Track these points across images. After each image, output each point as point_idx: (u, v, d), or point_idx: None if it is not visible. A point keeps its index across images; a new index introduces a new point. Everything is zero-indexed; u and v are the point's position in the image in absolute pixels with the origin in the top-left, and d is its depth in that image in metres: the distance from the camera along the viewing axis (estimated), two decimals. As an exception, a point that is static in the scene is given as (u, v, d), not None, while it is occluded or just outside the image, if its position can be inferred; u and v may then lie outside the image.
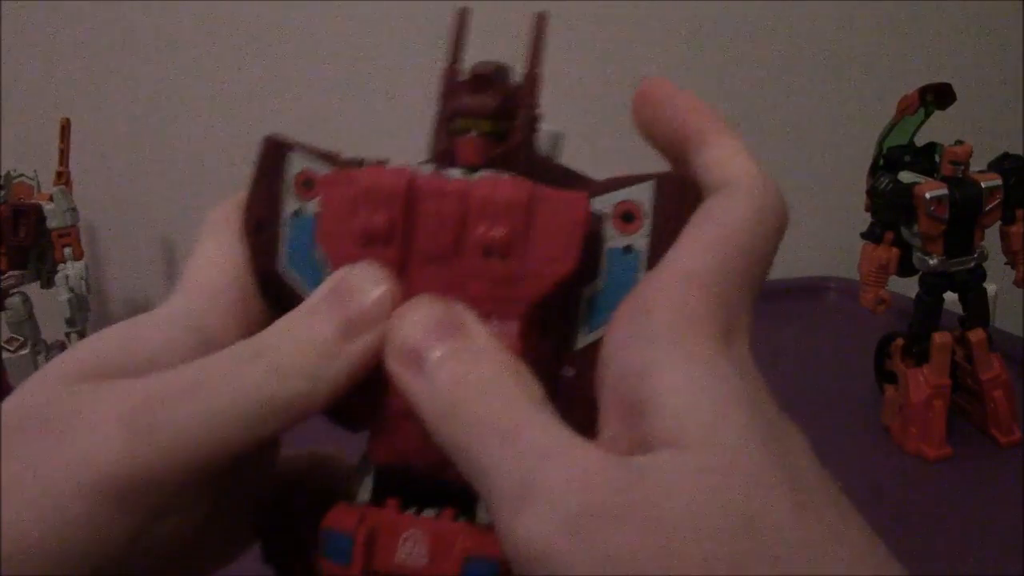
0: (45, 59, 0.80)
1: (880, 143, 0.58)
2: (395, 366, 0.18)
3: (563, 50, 0.86)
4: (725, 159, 0.20)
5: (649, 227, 0.19)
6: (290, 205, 0.21)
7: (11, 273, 0.60)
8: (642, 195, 0.20)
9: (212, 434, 0.18)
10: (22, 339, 0.60)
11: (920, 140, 0.58)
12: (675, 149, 0.21)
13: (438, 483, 0.19)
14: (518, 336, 0.19)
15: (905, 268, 0.58)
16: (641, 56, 0.88)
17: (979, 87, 0.89)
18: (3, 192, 0.60)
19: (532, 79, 0.21)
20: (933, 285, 0.57)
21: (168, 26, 0.81)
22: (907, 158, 0.57)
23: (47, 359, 0.61)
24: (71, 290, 0.61)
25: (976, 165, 0.56)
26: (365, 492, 0.20)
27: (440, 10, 0.85)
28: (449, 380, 0.18)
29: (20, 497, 0.17)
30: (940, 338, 0.56)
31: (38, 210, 0.61)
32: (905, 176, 0.56)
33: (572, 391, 0.19)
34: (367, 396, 0.19)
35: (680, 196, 0.20)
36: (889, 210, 0.56)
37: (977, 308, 0.58)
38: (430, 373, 0.18)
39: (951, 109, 0.55)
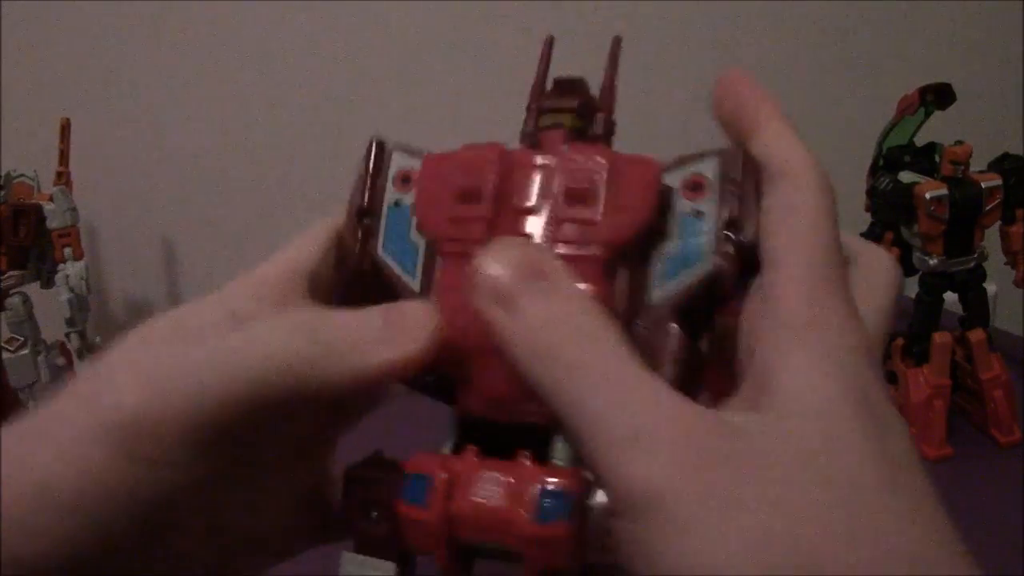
0: (45, 59, 0.80)
1: (880, 143, 0.58)
2: (484, 304, 0.19)
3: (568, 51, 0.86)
4: (777, 143, 0.22)
5: (716, 194, 0.21)
6: (390, 197, 0.24)
7: (11, 273, 0.60)
8: (707, 168, 0.22)
9: (211, 389, 0.19)
10: (22, 339, 0.60)
11: (920, 140, 0.58)
12: (738, 132, 0.23)
13: (515, 432, 0.20)
14: (599, 280, 0.20)
15: (905, 268, 0.58)
16: (641, 56, 0.88)
17: (979, 87, 0.89)
18: (3, 192, 0.60)
19: (609, 89, 0.24)
20: (933, 285, 0.57)
21: (168, 26, 0.81)
22: (907, 158, 0.57)
23: (47, 359, 0.61)
24: (71, 290, 0.61)
25: (976, 165, 0.56)
26: (445, 446, 0.21)
27: (440, 10, 0.84)
28: (542, 320, 0.18)
29: (45, 442, 0.19)
30: (940, 338, 0.56)
31: (38, 210, 0.61)
32: (905, 176, 0.56)
33: (644, 344, 0.20)
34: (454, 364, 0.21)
35: (740, 167, 0.21)
36: (889, 210, 0.56)
37: (977, 308, 0.58)
38: (522, 312, 0.18)
39: (951, 109, 0.55)
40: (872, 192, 0.57)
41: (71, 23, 0.79)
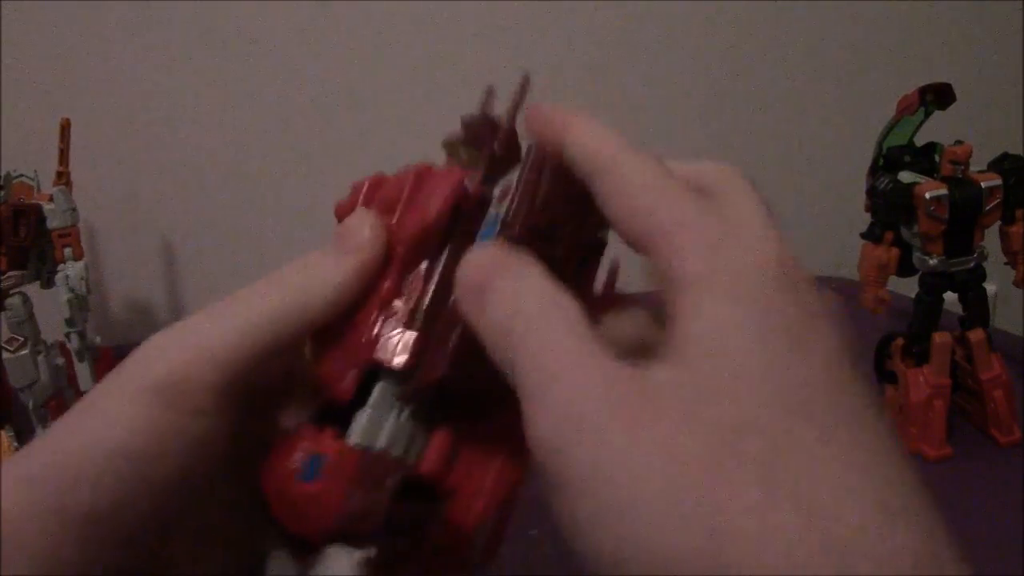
0: (45, 59, 0.80)
1: (880, 143, 0.58)
2: (465, 303, 0.22)
3: (563, 49, 0.86)
4: (585, 138, 0.24)
5: (509, 196, 0.23)
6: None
7: (11, 273, 0.60)
8: (514, 174, 0.23)
9: (234, 338, 0.23)
10: (22, 339, 0.60)
11: (920, 140, 0.57)
12: (550, 143, 0.24)
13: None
14: (393, 274, 0.24)
15: (905, 268, 0.58)
16: (641, 56, 0.88)
17: (979, 87, 0.89)
18: (3, 192, 0.59)
19: (507, 121, 0.26)
20: (933, 285, 0.57)
21: (169, 26, 0.81)
22: (907, 158, 0.57)
23: (47, 359, 0.61)
24: (71, 290, 0.61)
25: (976, 165, 0.56)
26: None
27: (441, 11, 0.84)
28: (504, 311, 0.21)
29: (88, 411, 0.22)
30: (940, 338, 0.56)
31: (38, 210, 0.60)
32: (905, 176, 0.56)
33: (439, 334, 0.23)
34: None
35: (527, 165, 0.23)
36: (889, 210, 0.56)
37: (977, 308, 0.58)
38: (490, 306, 0.21)
39: (951, 109, 0.55)
40: (872, 192, 0.57)
41: (71, 23, 0.79)
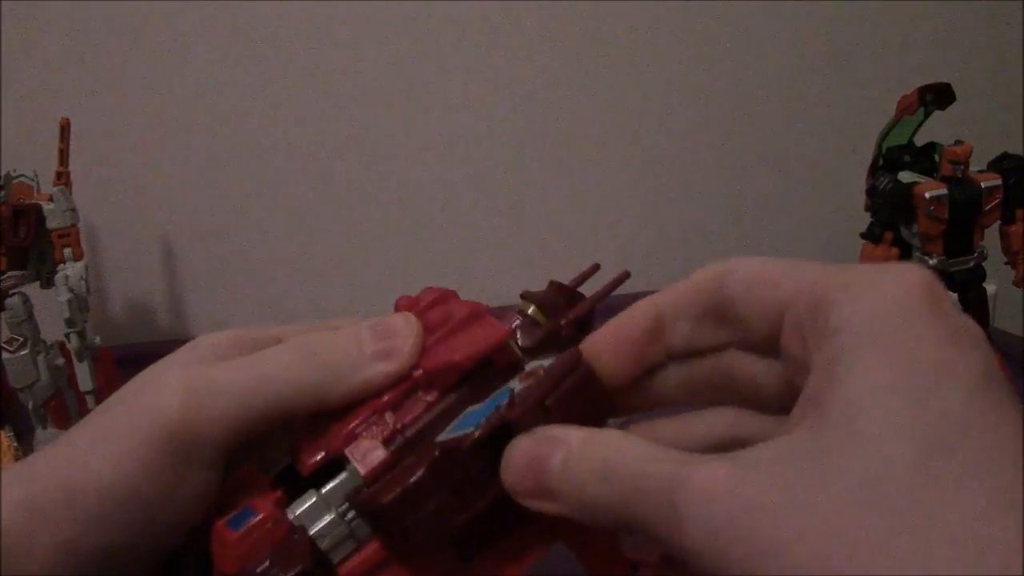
0: (45, 59, 0.80)
1: (880, 143, 0.58)
2: (528, 503, 0.21)
3: (560, 49, 0.86)
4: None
5: (535, 378, 0.23)
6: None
7: (11, 273, 0.60)
8: (545, 362, 0.24)
9: (254, 401, 0.23)
10: (22, 339, 0.60)
11: (920, 140, 0.57)
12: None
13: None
14: (396, 394, 0.24)
15: (905, 268, 0.58)
16: (642, 56, 0.88)
17: (979, 87, 0.89)
18: (3, 192, 0.59)
19: (586, 305, 0.27)
20: (933, 285, 0.57)
21: (169, 26, 0.81)
22: (907, 158, 0.57)
23: (47, 359, 0.61)
24: (71, 290, 0.61)
25: (976, 165, 0.56)
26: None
27: (441, 12, 0.84)
28: (579, 493, 0.20)
29: (101, 446, 0.23)
30: (940, 338, 0.56)
31: (38, 210, 0.60)
32: (905, 176, 0.56)
33: (403, 468, 0.23)
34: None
35: (565, 370, 0.23)
36: (889, 210, 0.56)
37: (977, 308, 0.58)
38: (558, 497, 0.21)
39: (951, 109, 0.55)
40: (872, 192, 0.57)
41: (71, 23, 0.79)
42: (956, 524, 0.16)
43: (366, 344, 0.24)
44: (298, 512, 0.24)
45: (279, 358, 0.24)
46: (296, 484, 0.24)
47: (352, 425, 0.24)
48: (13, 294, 0.60)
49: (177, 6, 0.80)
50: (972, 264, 0.57)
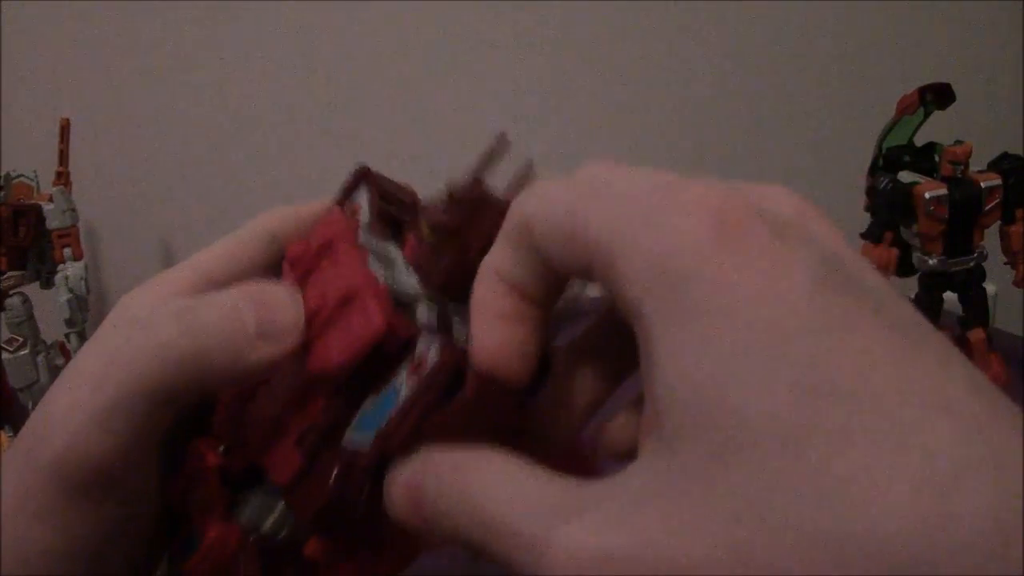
0: (45, 59, 0.80)
1: (880, 143, 0.58)
2: (399, 517, 0.20)
3: (558, 49, 0.86)
4: None
5: (417, 381, 0.20)
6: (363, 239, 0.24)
7: (11, 273, 0.60)
8: (430, 351, 0.20)
9: (126, 403, 0.21)
10: (22, 339, 0.60)
11: (920, 140, 0.57)
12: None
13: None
14: (283, 404, 0.23)
15: (905, 268, 0.58)
16: (642, 56, 0.88)
17: (979, 87, 0.89)
18: (3, 192, 0.60)
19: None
20: (933, 285, 0.57)
21: (169, 26, 0.81)
22: (907, 158, 0.57)
23: (46, 360, 0.61)
24: (71, 290, 0.61)
25: (976, 165, 0.56)
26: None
27: (440, 12, 0.84)
28: (447, 516, 0.18)
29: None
30: (940, 338, 0.56)
31: (38, 210, 0.61)
32: (905, 176, 0.56)
33: (316, 474, 0.22)
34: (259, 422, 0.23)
35: (439, 384, 0.20)
36: (889, 210, 0.56)
37: (977, 308, 0.58)
38: (427, 514, 0.19)
39: (951, 109, 0.55)
40: (872, 192, 0.57)
41: (71, 23, 0.79)
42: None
43: (249, 323, 0.21)
44: (243, 518, 0.23)
45: (144, 327, 0.22)
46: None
47: (266, 429, 0.23)
48: (13, 294, 0.60)
49: (177, 6, 0.80)
50: (972, 264, 0.57)
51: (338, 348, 0.21)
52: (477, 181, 0.22)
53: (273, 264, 0.25)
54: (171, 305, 0.23)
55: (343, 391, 0.21)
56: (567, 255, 0.18)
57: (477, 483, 0.18)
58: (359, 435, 0.21)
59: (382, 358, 0.21)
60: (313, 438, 0.21)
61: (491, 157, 0.22)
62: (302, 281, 0.23)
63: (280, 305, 0.22)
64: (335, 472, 0.21)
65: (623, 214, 0.17)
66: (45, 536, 0.21)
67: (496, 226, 0.20)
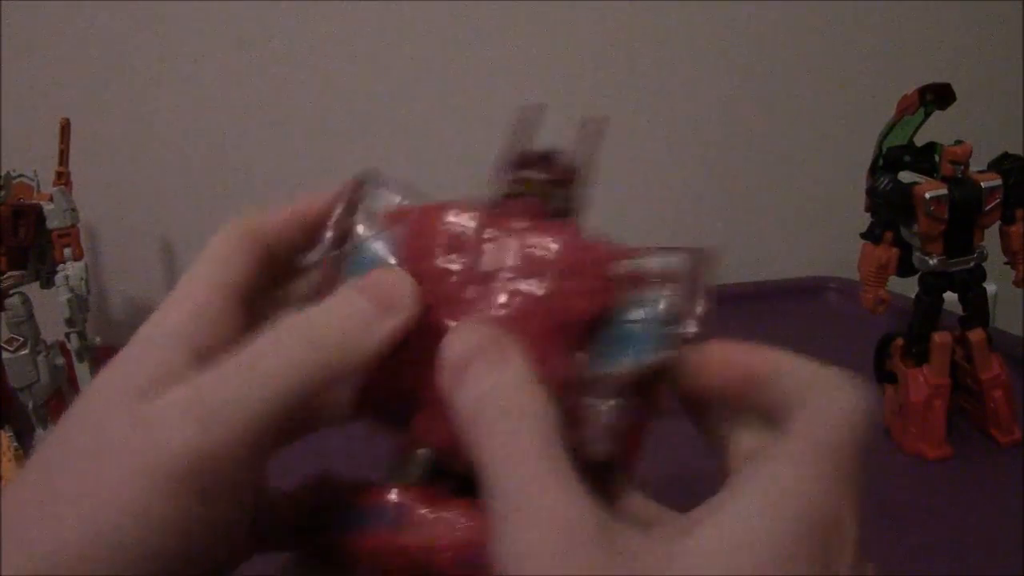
0: (45, 59, 0.80)
1: (880, 143, 0.58)
2: (443, 374, 0.21)
3: (561, 49, 0.86)
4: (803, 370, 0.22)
5: (662, 290, 0.22)
6: (365, 231, 0.25)
7: (11, 273, 0.60)
8: (657, 264, 0.23)
9: (263, 404, 0.20)
10: (22, 339, 0.60)
11: (920, 140, 0.57)
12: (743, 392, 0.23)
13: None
14: (543, 353, 0.22)
15: (905, 268, 0.58)
16: (642, 56, 0.88)
17: (979, 87, 0.89)
18: (3, 192, 0.59)
19: (584, 166, 0.26)
20: (933, 285, 0.57)
21: (169, 26, 0.81)
22: (907, 158, 0.57)
23: (47, 359, 0.61)
24: (71, 290, 0.61)
25: (976, 165, 0.56)
26: (414, 473, 0.23)
27: (441, 11, 0.84)
28: (479, 394, 0.20)
29: (98, 493, 0.19)
30: (940, 338, 0.56)
31: (38, 210, 0.60)
32: (905, 176, 0.56)
33: (576, 417, 0.22)
34: (406, 392, 0.23)
35: (698, 267, 0.23)
36: (889, 210, 0.56)
37: (977, 308, 0.58)
38: (466, 385, 0.20)
39: (951, 109, 0.55)
40: (872, 192, 0.57)
41: (71, 23, 0.79)
42: None
43: (364, 307, 0.22)
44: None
45: (275, 348, 0.21)
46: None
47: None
48: (13, 294, 0.60)
49: (177, 7, 0.80)
50: (972, 264, 0.57)
51: (583, 287, 0.22)
52: (523, 149, 0.25)
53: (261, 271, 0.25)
54: (289, 321, 0.22)
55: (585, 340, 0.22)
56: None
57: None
58: (609, 365, 0.22)
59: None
60: (575, 385, 0.22)
61: (526, 126, 0.25)
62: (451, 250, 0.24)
63: (388, 282, 0.23)
64: (611, 403, 0.22)
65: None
66: (157, 539, 0.19)
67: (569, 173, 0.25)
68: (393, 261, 0.24)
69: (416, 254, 0.24)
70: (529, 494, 0.18)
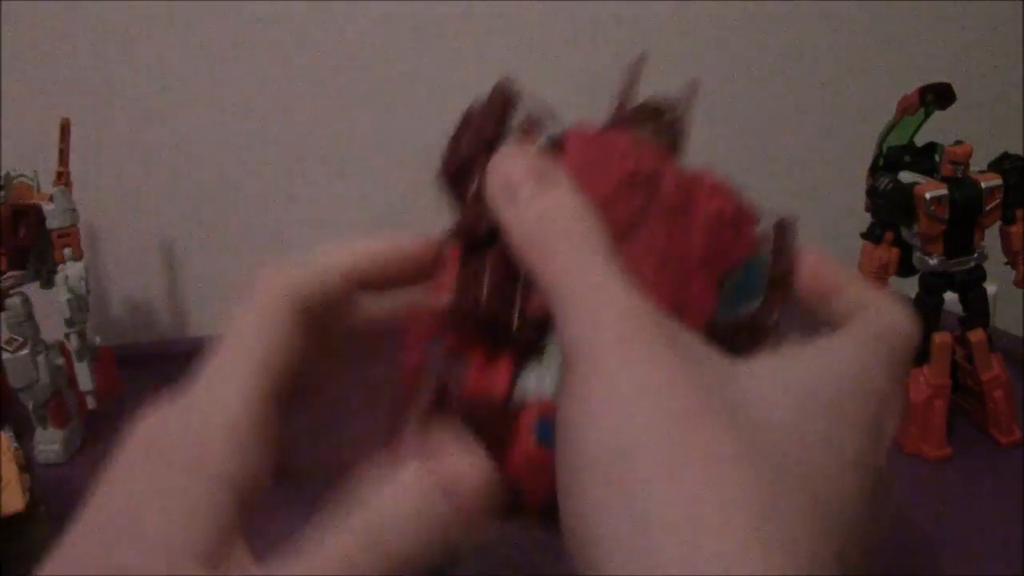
0: (45, 59, 0.80)
1: (880, 143, 0.58)
2: (495, 197, 0.22)
3: (563, 49, 0.86)
4: (867, 292, 0.25)
5: (768, 250, 0.25)
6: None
7: (11, 273, 0.60)
8: (769, 226, 0.26)
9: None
10: (22, 339, 0.60)
11: (920, 140, 0.57)
12: (822, 295, 0.26)
13: None
14: (705, 292, 0.24)
15: (905, 268, 0.58)
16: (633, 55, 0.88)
17: (979, 87, 0.89)
18: (3, 192, 0.59)
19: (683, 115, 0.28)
20: (933, 285, 0.57)
21: (169, 26, 0.81)
22: (907, 158, 0.57)
23: (46, 359, 0.61)
24: (71, 290, 0.61)
25: (976, 165, 0.56)
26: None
27: (442, 11, 0.84)
28: (537, 213, 0.21)
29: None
30: (940, 338, 0.56)
31: (38, 210, 0.61)
32: (905, 176, 0.56)
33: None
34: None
35: (787, 232, 0.26)
36: (889, 210, 0.56)
37: (977, 308, 0.58)
38: (522, 204, 0.21)
39: (951, 109, 0.55)
40: (872, 192, 0.57)
41: (71, 23, 0.79)
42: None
43: (440, 511, 0.20)
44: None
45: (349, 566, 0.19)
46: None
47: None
48: (13, 294, 0.60)
49: (177, 7, 0.80)
50: (972, 264, 0.57)
51: (743, 246, 0.25)
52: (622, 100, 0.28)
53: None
54: (349, 525, 0.20)
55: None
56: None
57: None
58: (734, 308, 0.24)
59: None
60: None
61: (633, 79, 0.29)
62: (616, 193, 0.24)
63: (470, 478, 0.21)
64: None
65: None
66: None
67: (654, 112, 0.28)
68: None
69: (590, 184, 0.23)
70: (596, 295, 0.20)
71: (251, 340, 0.22)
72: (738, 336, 0.23)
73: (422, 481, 0.20)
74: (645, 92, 0.29)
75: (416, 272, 0.25)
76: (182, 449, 0.20)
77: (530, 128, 0.25)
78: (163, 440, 0.20)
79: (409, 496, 0.20)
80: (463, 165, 0.24)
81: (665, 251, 0.23)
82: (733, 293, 0.24)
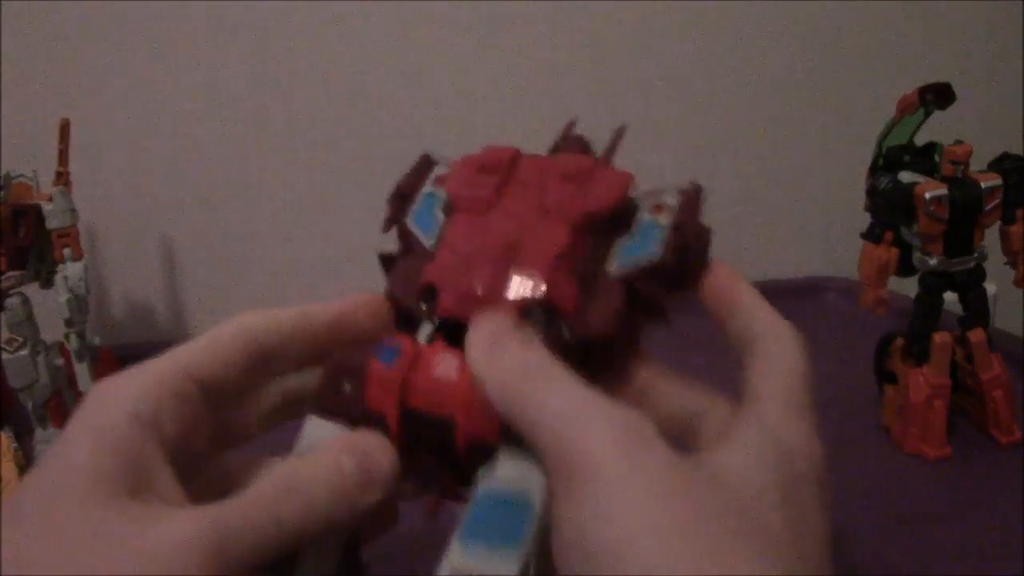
0: (45, 59, 0.80)
1: (880, 143, 0.58)
2: (471, 351, 0.25)
3: (562, 49, 0.86)
4: (759, 312, 0.28)
5: (672, 215, 0.28)
6: (426, 189, 0.31)
7: (10, 273, 0.60)
8: (669, 196, 0.29)
9: (262, 555, 0.22)
10: (21, 339, 0.60)
11: (920, 140, 0.57)
12: (721, 306, 0.29)
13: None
14: (572, 237, 0.27)
15: (905, 268, 0.58)
16: (642, 56, 0.88)
17: (979, 87, 0.89)
18: (3, 192, 0.59)
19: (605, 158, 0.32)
20: (933, 285, 0.57)
21: (169, 26, 0.81)
22: (907, 158, 0.57)
23: (46, 359, 0.61)
24: (70, 290, 0.61)
25: (976, 165, 0.56)
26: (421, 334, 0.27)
27: (443, 11, 0.84)
28: (519, 363, 0.24)
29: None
30: (940, 338, 0.56)
31: (38, 210, 0.60)
32: (905, 176, 0.56)
33: (595, 302, 0.27)
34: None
35: (694, 200, 0.29)
36: (889, 210, 0.56)
37: (977, 308, 0.58)
38: (495, 361, 0.24)
39: (951, 109, 0.55)
40: (872, 192, 0.57)
41: (71, 23, 0.79)
42: None
43: (351, 474, 0.24)
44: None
45: (271, 507, 0.23)
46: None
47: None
48: (13, 294, 0.60)
49: (177, 7, 0.80)
50: (972, 264, 0.57)
51: (603, 196, 0.28)
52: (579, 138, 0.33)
53: (250, 366, 0.27)
54: (273, 472, 0.24)
55: (597, 234, 0.28)
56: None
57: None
58: (623, 262, 0.27)
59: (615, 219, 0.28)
60: (590, 267, 0.27)
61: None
62: (505, 180, 0.29)
63: (373, 447, 0.25)
64: (621, 288, 0.27)
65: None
66: None
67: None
68: (444, 195, 0.30)
69: (455, 179, 0.30)
70: (587, 411, 0.22)
71: (211, 343, 0.28)
72: (596, 349, 0.26)
73: (336, 446, 0.25)
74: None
75: (330, 341, 0.28)
76: (111, 402, 0.24)
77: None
78: (104, 396, 0.24)
79: (325, 457, 0.24)
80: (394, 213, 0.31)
81: (519, 208, 0.28)
82: (625, 248, 0.28)
